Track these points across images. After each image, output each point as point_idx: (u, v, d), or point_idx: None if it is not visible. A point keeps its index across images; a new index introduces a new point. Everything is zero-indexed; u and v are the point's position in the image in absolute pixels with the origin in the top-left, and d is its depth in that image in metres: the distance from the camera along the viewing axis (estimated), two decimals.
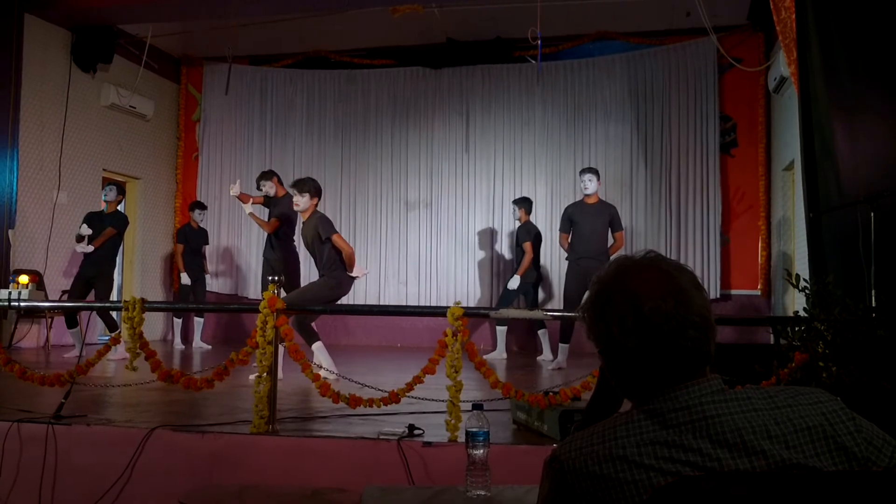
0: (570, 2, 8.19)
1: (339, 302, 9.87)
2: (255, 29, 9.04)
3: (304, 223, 6.08)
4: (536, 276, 7.98)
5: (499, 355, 8.00)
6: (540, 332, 8.05)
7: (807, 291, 3.51)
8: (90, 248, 7.32)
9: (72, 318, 7.31)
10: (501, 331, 8.09)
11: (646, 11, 8.72)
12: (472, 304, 9.44)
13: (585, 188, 7.01)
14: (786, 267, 8.02)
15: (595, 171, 7.12)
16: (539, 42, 7.53)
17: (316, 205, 5.97)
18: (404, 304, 9.75)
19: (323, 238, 5.83)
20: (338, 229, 6.12)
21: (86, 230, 7.37)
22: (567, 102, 9.67)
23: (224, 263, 10.45)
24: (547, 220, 9.37)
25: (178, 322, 9.36)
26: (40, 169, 8.47)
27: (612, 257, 6.58)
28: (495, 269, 9.66)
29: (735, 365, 3.23)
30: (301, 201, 5.91)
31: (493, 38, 9.62)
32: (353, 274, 5.94)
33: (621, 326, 1.17)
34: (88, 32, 8.87)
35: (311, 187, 5.93)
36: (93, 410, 4.11)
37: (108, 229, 7.35)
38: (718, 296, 8.97)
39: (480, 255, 9.78)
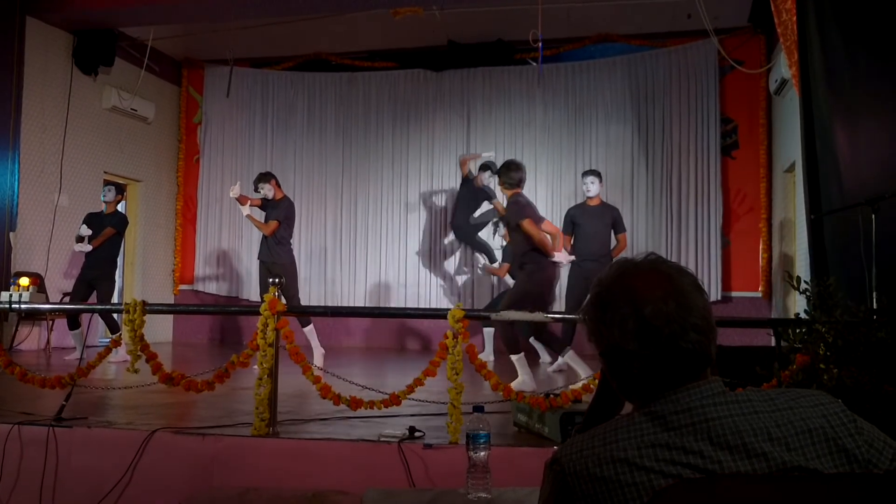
0: (571, 4, 8.20)
1: (344, 304, 9.85)
2: (256, 31, 9.05)
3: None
4: None
5: (486, 357, 7.91)
6: (531, 339, 7.98)
7: (808, 293, 3.50)
8: (89, 248, 7.31)
9: (74, 320, 7.32)
10: (489, 332, 8.03)
11: (647, 13, 8.72)
12: (472, 307, 9.43)
13: (588, 190, 7.00)
14: (787, 269, 8.01)
15: (597, 174, 7.11)
16: (540, 44, 7.52)
17: (516, 193, 5.69)
18: (405, 306, 9.75)
19: (512, 225, 5.59)
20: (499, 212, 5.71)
21: (85, 230, 7.37)
22: (568, 104, 9.67)
23: (223, 266, 10.45)
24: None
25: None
26: (41, 171, 8.47)
27: (614, 259, 6.59)
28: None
29: (736, 367, 3.22)
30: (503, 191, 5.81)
31: (494, 41, 9.63)
32: (557, 259, 5.60)
33: (622, 329, 1.17)
34: (90, 35, 8.88)
35: (499, 172, 5.74)
36: (94, 413, 4.11)
37: (107, 229, 7.35)
38: (719, 298, 8.96)
39: (481, 257, 9.77)
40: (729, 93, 9.23)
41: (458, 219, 8.83)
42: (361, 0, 8.06)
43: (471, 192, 8.64)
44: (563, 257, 5.75)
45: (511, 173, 5.69)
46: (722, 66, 8.97)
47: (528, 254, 5.54)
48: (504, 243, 7.95)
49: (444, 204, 9.93)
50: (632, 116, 9.46)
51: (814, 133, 4.59)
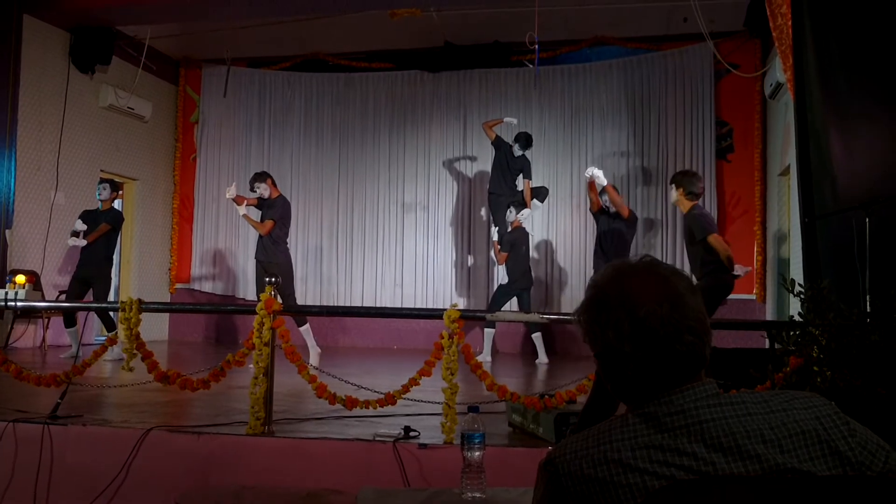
0: (567, 7, 8.21)
1: (340, 304, 9.81)
2: (254, 31, 9.04)
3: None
4: (528, 282, 7.93)
5: (483, 358, 7.88)
6: (534, 335, 8.00)
7: (802, 296, 3.52)
8: (83, 243, 7.30)
9: (70, 318, 7.31)
10: (489, 333, 8.01)
11: (643, 17, 8.74)
12: (467, 308, 9.43)
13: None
14: (781, 272, 8.03)
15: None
16: (537, 46, 7.54)
17: (695, 204, 5.51)
18: (400, 306, 9.75)
19: (697, 238, 5.42)
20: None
21: (80, 225, 7.37)
22: (564, 107, 9.68)
23: (219, 265, 10.44)
24: (545, 224, 9.40)
25: None
26: (38, 169, 8.46)
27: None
28: (491, 273, 9.66)
29: (730, 369, 3.24)
30: (672, 196, 5.62)
31: (491, 43, 9.63)
32: (736, 272, 5.56)
33: (617, 330, 1.18)
34: (87, 33, 8.85)
35: (680, 181, 5.53)
36: (89, 411, 4.11)
37: (102, 225, 7.34)
38: None
39: (477, 258, 9.78)
40: (724, 96, 9.24)
41: (492, 186, 8.59)
42: (359, 0, 8.06)
43: (505, 160, 8.40)
44: (741, 270, 5.68)
45: (696, 182, 5.55)
46: (717, 69, 8.99)
47: (709, 265, 5.42)
48: (510, 229, 7.92)
49: (440, 204, 9.93)
50: (627, 119, 9.47)
51: (808, 137, 4.60)
